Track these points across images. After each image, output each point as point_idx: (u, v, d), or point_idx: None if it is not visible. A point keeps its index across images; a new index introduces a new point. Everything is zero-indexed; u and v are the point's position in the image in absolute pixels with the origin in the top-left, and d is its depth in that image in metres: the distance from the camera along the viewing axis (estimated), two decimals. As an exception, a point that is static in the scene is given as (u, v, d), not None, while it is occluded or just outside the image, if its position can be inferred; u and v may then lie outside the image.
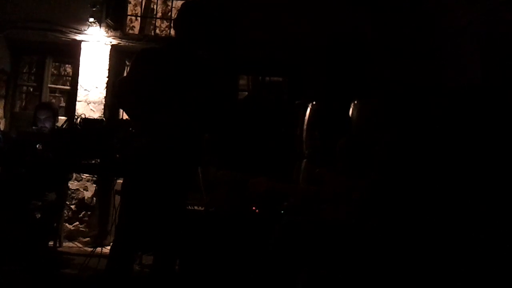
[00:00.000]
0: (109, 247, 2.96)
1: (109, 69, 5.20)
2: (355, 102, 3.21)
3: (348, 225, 2.54)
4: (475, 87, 3.19)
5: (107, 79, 5.18)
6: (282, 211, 3.09)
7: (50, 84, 5.54)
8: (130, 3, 6.00)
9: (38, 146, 3.64)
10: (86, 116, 3.71)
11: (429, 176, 2.50)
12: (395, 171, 2.53)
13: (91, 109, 5.10)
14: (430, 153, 2.60)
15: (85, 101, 5.14)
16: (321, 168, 2.95)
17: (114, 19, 5.25)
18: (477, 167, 2.36)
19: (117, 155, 3.30)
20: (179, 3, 5.28)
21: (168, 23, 6.47)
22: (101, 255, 3.41)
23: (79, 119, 3.50)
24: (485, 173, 2.35)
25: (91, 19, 5.10)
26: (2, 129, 4.96)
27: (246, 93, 5.61)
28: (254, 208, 3.33)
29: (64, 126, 3.77)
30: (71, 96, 5.34)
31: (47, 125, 4.17)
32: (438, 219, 2.47)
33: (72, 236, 5.01)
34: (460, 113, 2.68)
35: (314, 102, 3.79)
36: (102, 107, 5.15)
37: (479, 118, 2.56)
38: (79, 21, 5.11)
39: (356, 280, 2.48)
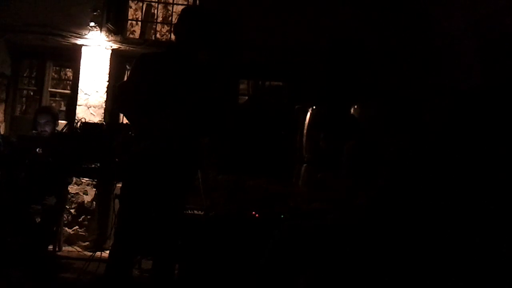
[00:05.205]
0: (108, 252, 2.96)
1: (109, 74, 5.20)
2: (362, 105, 3.20)
3: (351, 230, 2.52)
4: (478, 88, 3.19)
5: (107, 83, 5.18)
6: (282, 216, 3.08)
7: (51, 88, 5.54)
8: (130, 7, 6.01)
9: (38, 150, 3.64)
10: (86, 120, 3.72)
11: (438, 183, 2.48)
12: (404, 177, 2.50)
13: (91, 113, 5.10)
14: (439, 158, 2.58)
15: (85, 105, 5.14)
16: (324, 172, 2.94)
17: (115, 24, 5.26)
18: (489, 170, 2.34)
19: (117, 159, 3.31)
20: (180, 8, 5.29)
21: (169, 28, 6.48)
22: (101, 259, 3.40)
23: (79, 123, 3.50)
24: (496, 176, 2.34)
25: (92, 24, 5.10)
26: (2, 133, 4.95)
27: (246, 97, 5.62)
28: (253, 212, 3.32)
29: (64, 130, 3.78)
30: (71, 100, 5.33)
31: (47, 129, 4.17)
32: (447, 226, 2.45)
33: (71, 240, 5.00)
34: (465, 115, 2.67)
35: (314, 107, 3.79)
36: (102, 111, 5.15)
37: (485, 120, 2.55)
38: (79, 26, 5.11)
39: (358, 286, 2.47)
